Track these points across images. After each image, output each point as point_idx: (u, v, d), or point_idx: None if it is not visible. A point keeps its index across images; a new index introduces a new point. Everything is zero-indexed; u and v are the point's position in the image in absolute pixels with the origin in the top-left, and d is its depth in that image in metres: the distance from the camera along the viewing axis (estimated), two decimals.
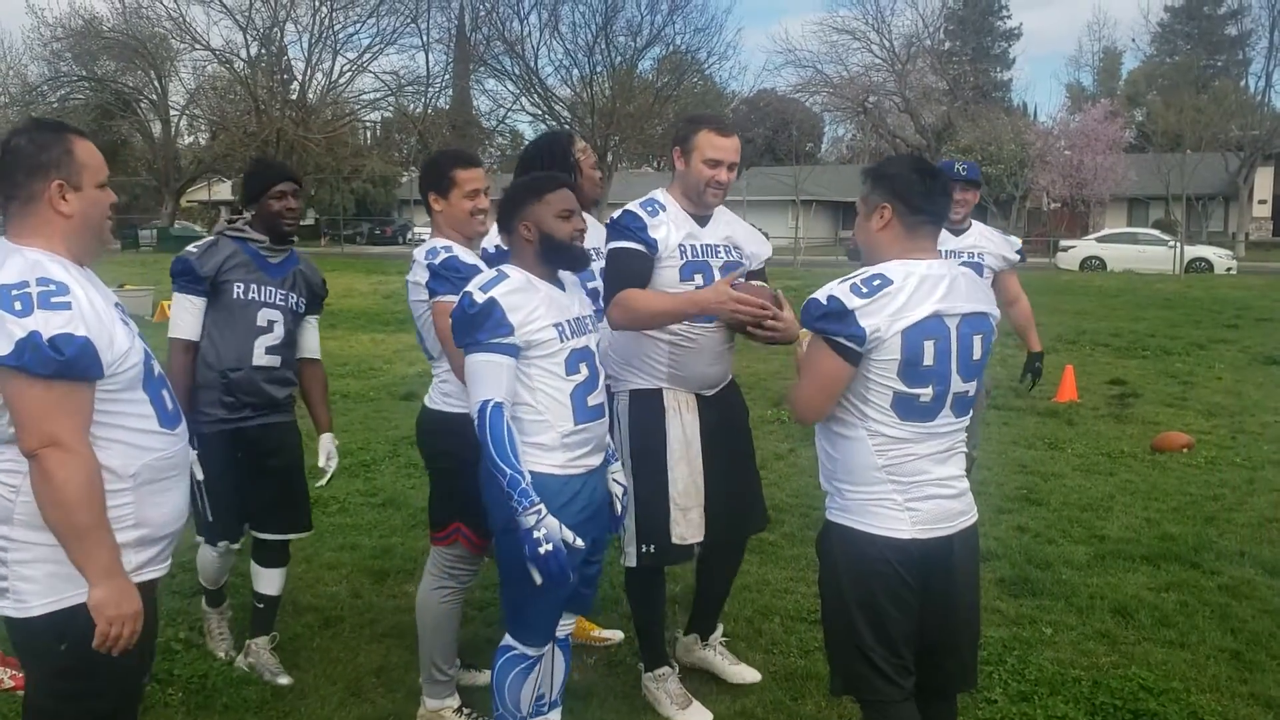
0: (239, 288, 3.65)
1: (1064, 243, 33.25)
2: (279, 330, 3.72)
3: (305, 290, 3.87)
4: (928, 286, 2.51)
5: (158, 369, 2.40)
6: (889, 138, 41.60)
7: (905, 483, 2.56)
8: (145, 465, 2.29)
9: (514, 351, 2.75)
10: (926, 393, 2.52)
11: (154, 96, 42.91)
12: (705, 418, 3.48)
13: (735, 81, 67.39)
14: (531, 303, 2.79)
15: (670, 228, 3.39)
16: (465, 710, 3.52)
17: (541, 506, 2.68)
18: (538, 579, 2.71)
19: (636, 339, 3.41)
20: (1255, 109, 44.17)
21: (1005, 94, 54.41)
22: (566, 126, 36.85)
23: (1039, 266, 31.62)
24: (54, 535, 2.14)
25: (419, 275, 3.26)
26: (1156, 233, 33.81)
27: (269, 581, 3.90)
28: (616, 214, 3.45)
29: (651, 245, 3.34)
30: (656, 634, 3.70)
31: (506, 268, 2.88)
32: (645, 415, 3.43)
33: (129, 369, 2.24)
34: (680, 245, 3.39)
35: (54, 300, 2.08)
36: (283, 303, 3.75)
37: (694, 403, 3.47)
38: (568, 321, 2.86)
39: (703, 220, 3.48)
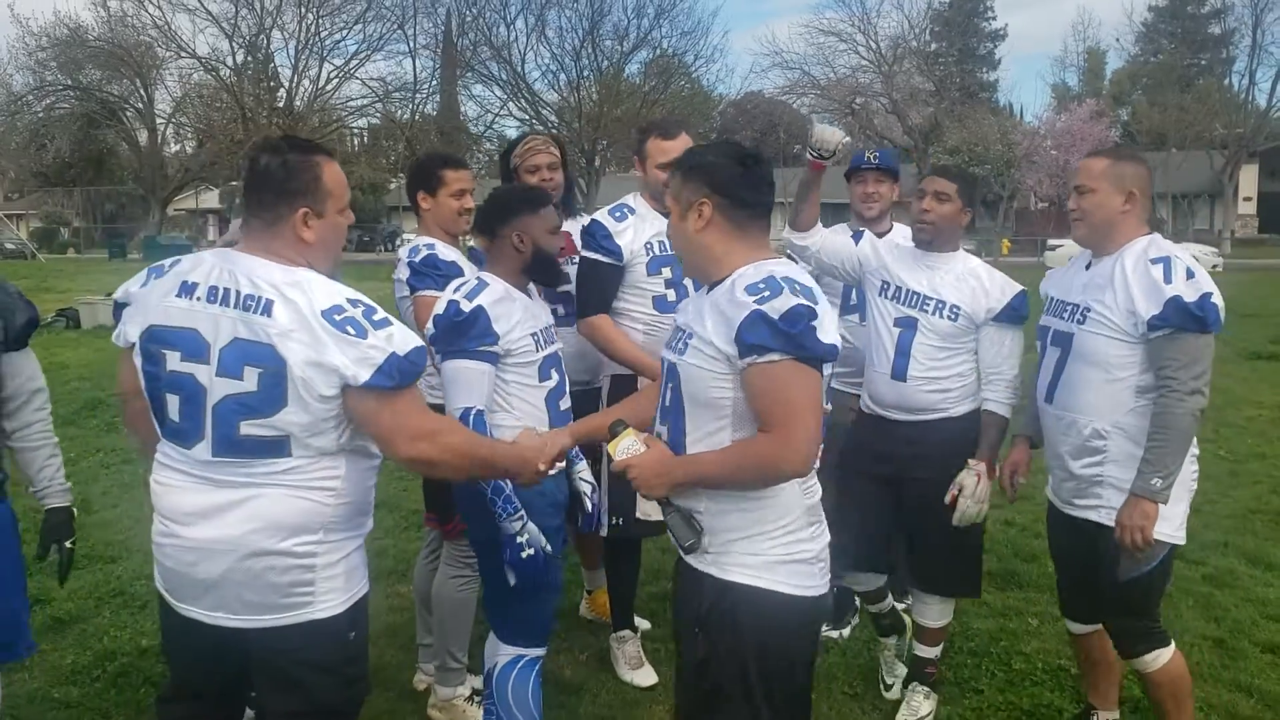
0: None
1: (1052, 241, 33.49)
2: None
3: None
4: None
5: None
6: (876, 139, 41.66)
7: (818, 524, 2.24)
8: None
9: (495, 360, 2.82)
10: (826, 406, 2.32)
11: (140, 105, 42.88)
12: None
13: (722, 84, 67.82)
14: (513, 312, 2.87)
15: (636, 230, 3.60)
16: (476, 698, 3.60)
17: (524, 513, 2.74)
18: (512, 580, 2.78)
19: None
20: (1239, 107, 44.53)
21: (991, 94, 54.66)
22: (553, 131, 36.91)
23: (1028, 265, 31.72)
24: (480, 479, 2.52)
25: (402, 272, 3.43)
26: None
27: None
28: (586, 221, 3.67)
29: (615, 252, 3.57)
30: (626, 600, 3.93)
31: (486, 276, 2.94)
32: (621, 399, 3.53)
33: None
34: (647, 243, 3.60)
35: (376, 318, 2.14)
36: None
37: None
38: (541, 330, 2.97)
39: None
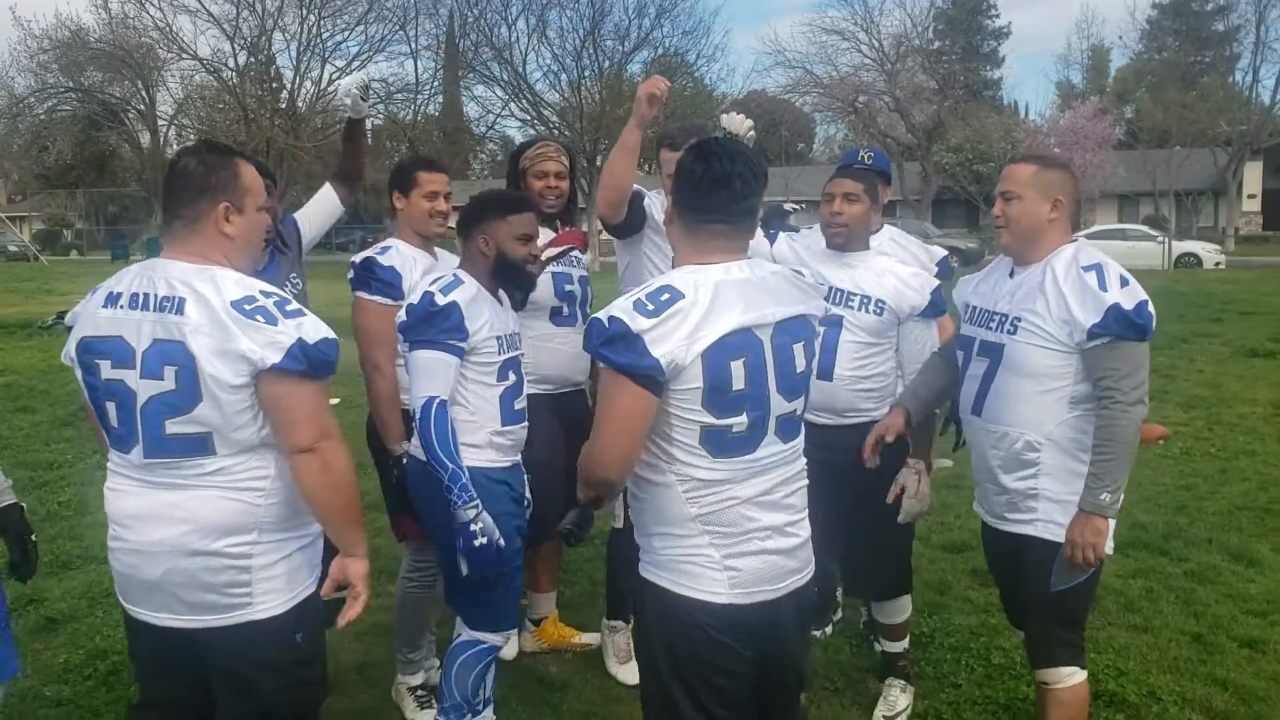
0: None
1: None
2: None
3: (299, 264, 4.01)
4: (727, 295, 2.12)
5: None
6: (880, 137, 41.60)
7: (725, 535, 2.17)
8: None
9: (461, 354, 2.88)
10: (740, 422, 2.14)
11: (141, 106, 42.88)
12: None
13: (724, 83, 67.34)
14: (484, 313, 2.94)
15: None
16: (419, 691, 3.67)
17: (479, 502, 2.79)
18: (464, 570, 2.82)
19: None
20: (1243, 104, 44.34)
21: (995, 92, 54.55)
22: (555, 132, 36.96)
23: None
24: (328, 523, 2.30)
25: (351, 272, 3.56)
26: (1145, 228, 33.90)
27: None
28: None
29: (638, 194, 3.66)
30: (623, 590, 3.94)
31: (460, 274, 3.00)
32: None
33: None
34: None
35: (289, 309, 2.21)
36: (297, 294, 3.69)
37: None
38: (507, 335, 3.03)
39: None
